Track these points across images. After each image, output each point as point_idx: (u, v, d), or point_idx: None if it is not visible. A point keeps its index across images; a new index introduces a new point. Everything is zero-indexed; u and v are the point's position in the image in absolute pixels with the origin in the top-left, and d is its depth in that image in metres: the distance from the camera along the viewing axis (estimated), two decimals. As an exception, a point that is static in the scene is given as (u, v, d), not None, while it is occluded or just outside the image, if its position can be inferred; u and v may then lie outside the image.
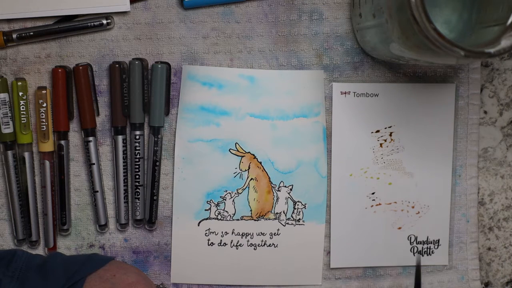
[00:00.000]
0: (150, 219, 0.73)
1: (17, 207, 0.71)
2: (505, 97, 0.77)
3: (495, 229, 0.78)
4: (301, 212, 0.74)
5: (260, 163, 0.73)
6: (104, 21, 0.70)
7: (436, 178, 0.75)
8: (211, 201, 0.73)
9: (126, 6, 0.70)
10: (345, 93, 0.73)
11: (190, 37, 0.71)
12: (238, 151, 0.73)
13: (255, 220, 0.74)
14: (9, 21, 0.70)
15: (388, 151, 0.74)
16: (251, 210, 0.74)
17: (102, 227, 0.73)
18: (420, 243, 0.75)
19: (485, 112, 0.77)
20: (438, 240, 0.76)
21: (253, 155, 0.73)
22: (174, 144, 0.72)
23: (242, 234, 0.74)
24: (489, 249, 0.79)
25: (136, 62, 0.70)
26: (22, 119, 0.70)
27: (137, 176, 0.72)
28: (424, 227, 0.75)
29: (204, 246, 0.74)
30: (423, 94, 0.74)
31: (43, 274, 0.64)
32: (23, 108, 0.70)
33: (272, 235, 0.74)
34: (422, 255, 0.75)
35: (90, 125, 0.71)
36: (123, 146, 0.71)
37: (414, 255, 0.75)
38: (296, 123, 0.73)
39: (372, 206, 0.75)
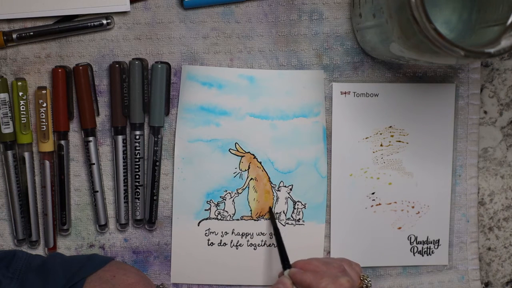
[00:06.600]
0: (150, 219, 0.73)
1: (17, 207, 0.71)
2: (505, 97, 0.77)
3: (495, 229, 0.78)
4: (301, 212, 0.74)
5: (260, 163, 0.73)
6: (104, 21, 0.70)
7: (436, 178, 0.75)
8: (211, 201, 0.73)
9: (126, 6, 0.70)
10: (345, 93, 0.73)
11: (190, 37, 0.71)
12: (238, 151, 0.73)
13: (255, 220, 0.74)
14: (9, 21, 0.70)
15: (388, 151, 0.74)
16: (251, 210, 0.74)
17: (102, 227, 0.73)
18: (420, 243, 0.75)
19: (485, 112, 0.77)
20: (438, 240, 0.76)
21: (253, 155, 0.73)
22: (174, 144, 0.72)
23: (242, 234, 0.74)
24: (489, 249, 0.79)
25: (136, 62, 0.70)
26: (22, 119, 0.70)
27: (137, 176, 0.72)
28: (424, 227, 0.75)
29: (204, 246, 0.74)
30: (423, 94, 0.74)
31: (43, 275, 0.64)
32: (23, 108, 0.70)
33: (272, 235, 0.74)
34: (422, 255, 0.75)
35: (90, 125, 0.71)
36: (123, 146, 0.71)
37: (414, 255, 0.75)
38: (296, 123, 0.73)
39: (372, 206, 0.75)
